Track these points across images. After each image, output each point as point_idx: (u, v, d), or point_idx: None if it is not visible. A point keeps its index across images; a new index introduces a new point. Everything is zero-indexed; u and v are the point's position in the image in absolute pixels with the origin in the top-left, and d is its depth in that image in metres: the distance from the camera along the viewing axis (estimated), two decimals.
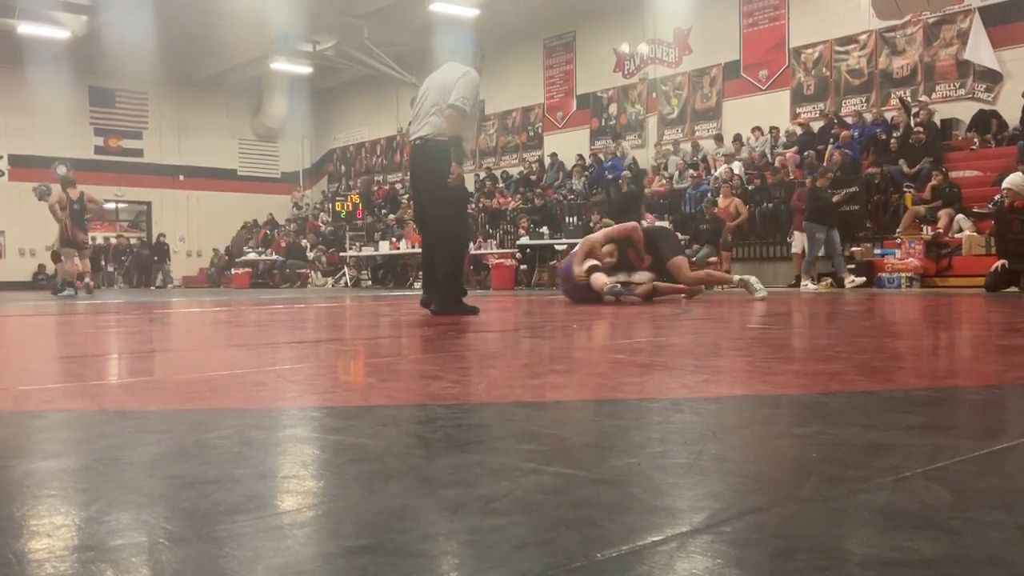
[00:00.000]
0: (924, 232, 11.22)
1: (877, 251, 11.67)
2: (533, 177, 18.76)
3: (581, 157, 17.88)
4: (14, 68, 21.40)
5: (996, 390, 2.02)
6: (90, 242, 13.04)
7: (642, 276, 6.93)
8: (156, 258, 22.98)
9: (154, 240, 23.81)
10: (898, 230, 11.62)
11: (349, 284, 18.91)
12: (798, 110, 15.39)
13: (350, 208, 20.78)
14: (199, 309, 7.80)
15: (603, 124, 18.79)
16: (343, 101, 25.94)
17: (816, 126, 14.55)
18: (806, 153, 13.37)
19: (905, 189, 12.20)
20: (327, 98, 25.98)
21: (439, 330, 4.09)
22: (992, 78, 12.93)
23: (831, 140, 13.45)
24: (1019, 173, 8.88)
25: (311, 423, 1.64)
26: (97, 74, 22.81)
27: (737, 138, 15.44)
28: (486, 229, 17.55)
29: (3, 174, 23.01)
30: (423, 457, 1.26)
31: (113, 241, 24.32)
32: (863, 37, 14.47)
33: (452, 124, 5.13)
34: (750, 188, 13.90)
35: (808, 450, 1.28)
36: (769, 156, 14.70)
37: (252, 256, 22.41)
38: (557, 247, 14.20)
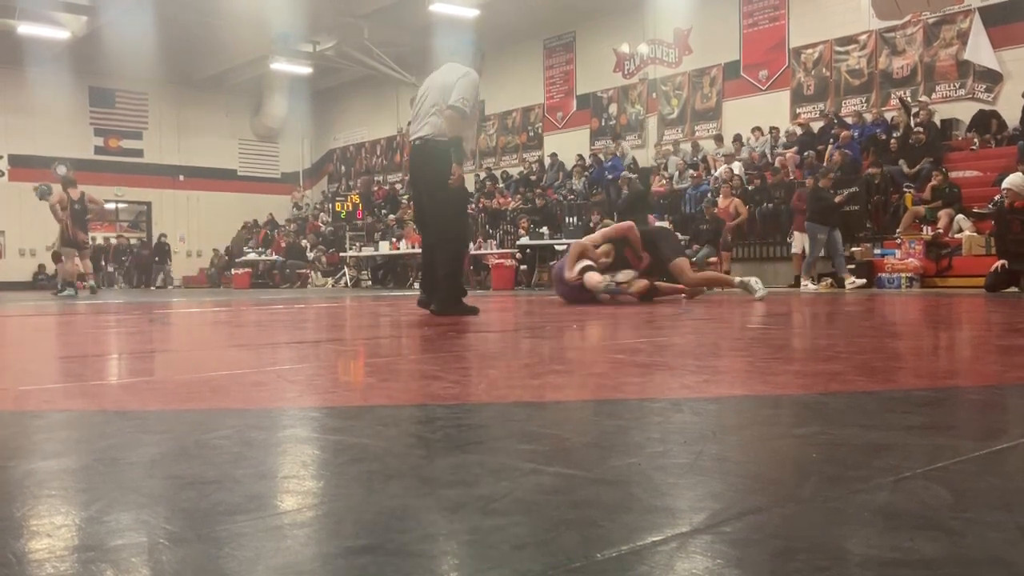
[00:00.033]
0: (924, 232, 11.22)
1: (877, 251, 11.67)
2: (533, 177, 18.76)
3: (581, 157, 17.88)
4: (14, 68, 21.41)
5: (996, 390, 2.02)
6: (90, 242, 13.04)
7: (626, 275, 6.87)
8: (157, 259, 22.99)
9: (155, 240, 23.81)
10: (898, 230, 11.62)
11: (349, 284, 18.91)
12: (798, 110, 15.39)
13: (350, 208, 20.79)
14: (199, 309, 7.80)
15: (603, 124, 18.80)
16: (343, 101, 25.95)
17: (816, 126, 14.55)
18: (806, 153, 13.37)
19: (905, 189, 12.21)
20: (327, 98, 25.99)
21: (439, 330, 4.08)
22: (992, 78, 12.93)
23: (831, 140, 13.45)
24: (1019, 173, 8.88)
25: (311, 423, 1.64)
26: (97, 74, 22.81)
27: (737, 138, 15.44)
28: (486, 229, 17.55)
29: (3, 174, 23.02)
30: (423, 457, 1.26)
31: (113, 241, 24.34)
32: (863, 37, 14.47)
33: (452, 125, 5.13)
34: (750, 188, 13.90)
35: (808, 450, 1.28)
36: (769, 156, 14.70)
37: (252, 256, 22.42)
38: (557, 247, 14.20)
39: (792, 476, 1.16)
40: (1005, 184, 8.82)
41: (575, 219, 15.18)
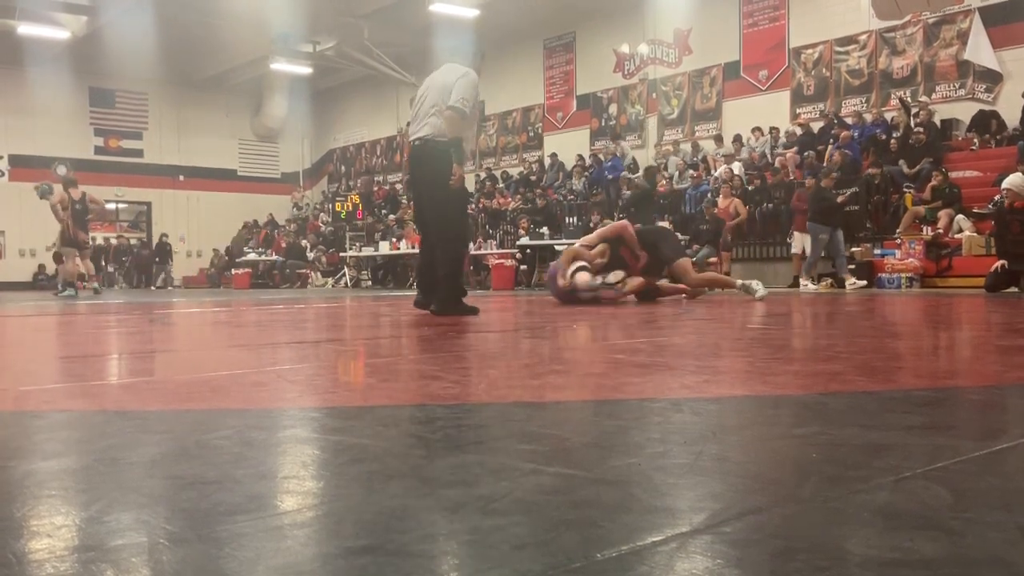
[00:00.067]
0: (924, 232, 11.23)
1: (877, 251, 11.67)
2: (533, 177, 18.76)
3: (581, 157, 17.89)
4: (14, 69, 21.42)
5: (996, 390, 2.02)
6: (91, 242, 13.05)
7: (616, 275, 6.83)
8: (158, 259, 23.01)
9: (157, 240, 23.82)
10: (898, 230, 11.62)
11: (349, 284, 18.91)
12: (798, 110, 15.39)
13: (350, 208, 20.79)
14: (199, 309, 7.80)
15: (603, 124, 18.80)
16: (343, 101, 25.95)
17: (816, 126, 14.55)
18: (806, 153, 13.37)
19: (905, 189, 12.21)
20: (327, 98, 26.00)
21: (439, 330, 4.08)
22: (992, 78, 12.93)
23: (831, 140, 13.46)
24: (1019, 173, 8.88)
25: (311, 423, 1.64)
26: (97, 74, 22.82)
27: (737, 138, 15.44)
28: (486, 229, 17.56)
29: (3, 174, 23.02)
30: (423, 457, 1.26)
31: (113, 242, 24.35)
32: (863, 37, 14.47)
33: (452, 125, 5.13)
34: (750, 189, 13.90)
35: (808, 450, 1.29)
36: (769, 156, 14.70)
37: (252, 256, 22.43)
38: (557, 247, 14.20)
39: (792, 476, 1.16)
40: (1005, 184, 8.82)
41: (575, 219, 15.18)
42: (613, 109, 18.65)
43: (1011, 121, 12.46)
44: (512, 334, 4.16)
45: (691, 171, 15.33)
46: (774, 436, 1.46)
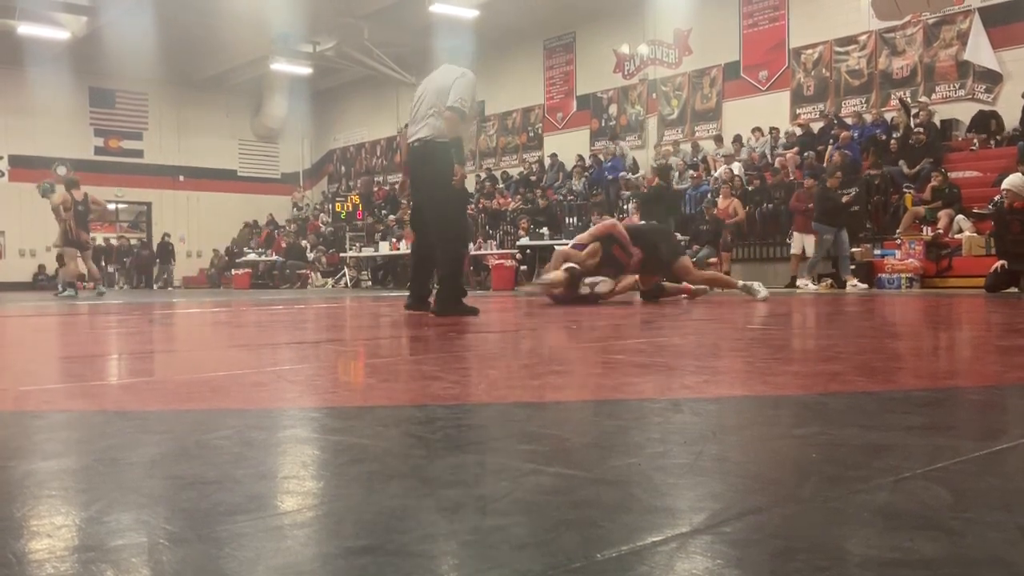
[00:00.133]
0: (924, 233, 11.23)
1: (877, 252, 11.67)
2: (533, 178, 18.76)
3: (581, 158, 17.89)
4: (14, 69, 21.41)
5: (996, 391, 2.02)
6: (91, 242, 13.07)
7: (605, 286, 6.80)
8: (159, 259, 23.01)
9: (159, 240, 23.82)
10: (898, 231, 11.62)
11: (349, 285, 18.91)
12: (798, 111, 15.39)
13: (350, 209, 20.79)
14: (199, 310, 7.80)
15: (603, 125, 18.80)
16: (343, 102, 25.96)
17: (816, 127, 14.55)
18: (806, 154, 13.37)
19: (905, 190, 12.21)
20: (327, 99, 26.00)
21: (439, 331, 4.09)
22: (992, 79, 12.93)
23: (831, 141, 13.45)
24: (1019, 174, 8.88)
25: (311, 424, 1.64)
26: (97, 75, 22.82)
27: (737, 139, 15.44)
28: (486, 230, 17.55)
29: (3, 175, 23.02)
30: (423, 458, 1.26)
31: (114, 242, 24.35)
32: (863, 38, 14.47)
33: (452, 126, 5.15)
34: (750, 189, 13.90)
35: (808, 451, 1.29)
36: (769, 157, 14.70)
37: (252, 257, 22.43)
38: (557, 248, 14.19)
39: (792, 476, 1.16)
40: (1005, 185, 8.82)
41: (575, 219, 15.17)
42: (613, 109, 18.65)
43: (1011, 121, 12.46)
44: (512, 334, 4.16)
45: (691, 171, 15.32)
46: (774, 436, 1.46)
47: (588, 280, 6.79)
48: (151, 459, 1.27)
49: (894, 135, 13.09)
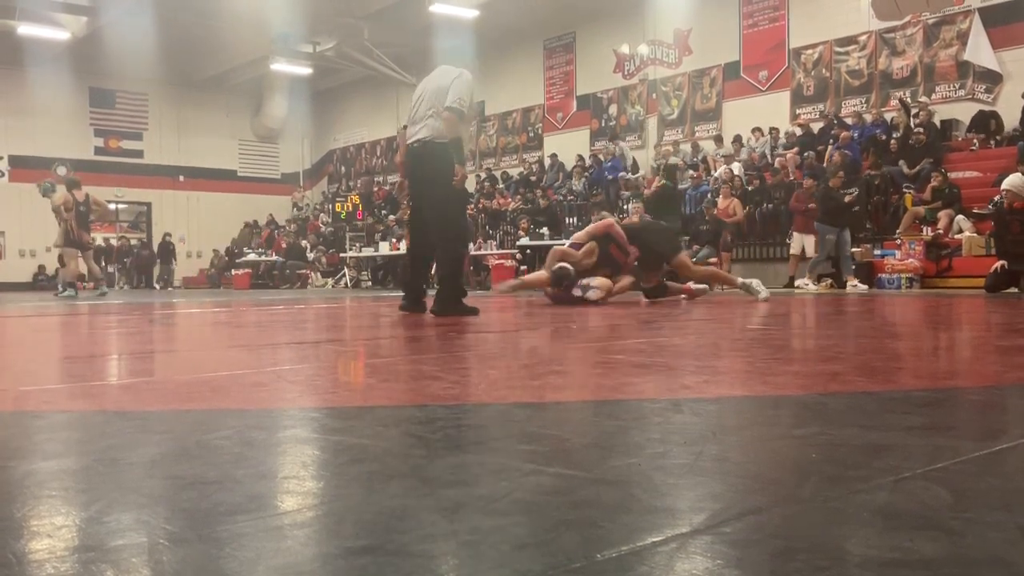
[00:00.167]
0: (924, 233, 11.22)
1: (877, 252, 11.67)
2: (533, 178, 18.76)
3: (581, 158, 17.89)
4: (14, 69, 21.42)
5: (996, 391, 2.02)
6: (92, 243, 13.09)
7: (595, 293, 6.70)
8: (160, 259, 23.01)
9: (160, 240, 23.81)
10: (898, 231, 11.62)
11: (349, 285, 18.91)
12: (798, 111, 15.39)
13: (350, 209, 20.79)
14: (199, 310, 7.80)
15: (603, 125, 18.80)
16: (343, 102, 25.96)
17: (816, 127, 14.55)
18: (806, 154, 13.36)
19: (905, 190, 12.21)
20: (327, 99, 26.00)
21: (439, 331, 4.09)
22: (992, 79, 12.93)
23: (831, 141, 13.45)
24: (1018, 174, 8.88)
25: (311, 424, 1.64)
26: (97, 75, 22.82)
27: (737, 139, 15.44)
28: (486, 230, 17.55)
29: (3, 175, 23.03)
30: (423, 457, 1.26)
31: (115, 243, 24.36)
32: (863, 38, 14.47)
33: (451, 126, 5.16)
34: (750, 189, 13.90)
35: (808, 451, 1.29)
36: (769, 157, 14.70)
37: (252, 257, 22.43)
38: (554, 247, 14.18)
39: (792, 476, 1.16)
40: (1004, 185, 8.82)
41: (575, 220, 15.17)
42: (613, 110, 18.65)
43: (1011, 122, 12.46)
44: (512, 334, 4.16)
45: (691, 172, 15.32)
46: (774, 436, 1.46)
47: (582, 282, 6.77)
48: (151, 459, 1.27)
49: (894, 135, 13.09)
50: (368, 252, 19.27)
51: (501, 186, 19.46)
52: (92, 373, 2.59)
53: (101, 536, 0.89)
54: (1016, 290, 8.33)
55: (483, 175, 20.52)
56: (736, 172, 14.18)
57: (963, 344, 3.60)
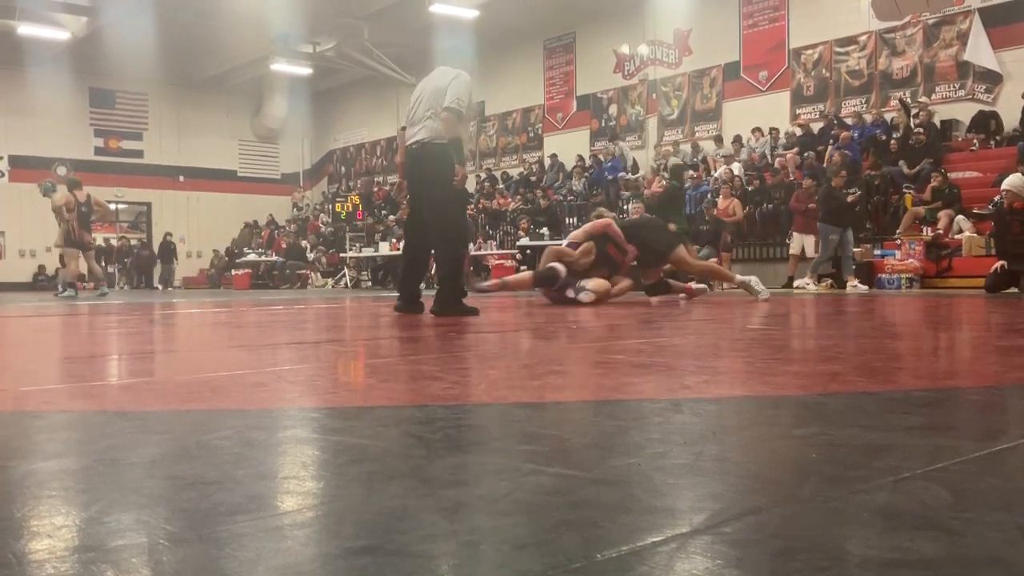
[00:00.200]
0: (924, 233, 11.22)
1: (877, 252, 11.67)
2: (533, 178, 18.77)
3: (581, 158, 17.89)
4: (14, 69, 21.42)
5: (996, 391, 2.02)
6: (93, 243, 13.10)
7: (587, 296, 6.65)
8: (161, 259, 23.01)
9: (161, 240, 23.81)
10: (898, 231, 11.62)
11: (349, 285, 18.92)
12: (798, 111, 15.39)
13: (350, 209, 20.80)
14: (199, 310, 7.80)
15: (603, 125, 18.80)
16: (343, 102, 25.96)
17: (816, 127, 14.55)
18: (806, 154, 13.36)
19: (905, 190, 12.21)
20: (327, 99, 26.00)
21: (439, 331, 4.09)
22: (992, 79, 12.93)
23: (831, 141, 13.46)
24: (1018, 174, 8.88)
25: (311, 424, 1.64)
26: (97, 75, 22.82)
27: (737, 139, 15.44)
28: (486, 230, 17.55)
29: (3, 175, 23.03)
30: (423, 458, 1.26)
31: (114, 243, 24.36)
32: (863, 38, 14.48)
33: (449, 127, 5.17)
34: (750, 189, 13.90)
35: (808, 451, 1.29)
36: (769, 157, 14.70)
37: (252, 257, 22.44)
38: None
39: (792, 476, 1.16)
40: (1004, 185, 8.82)
41: (575, 220, 15.17)
42: (613, 110, 18.65)
43: (1011, 122, 12.46)
44: (512, 335, 4.16)
45: (691, 172, 15.32)
46: (774, 436, 1.46)
47: (579, 283, 6.76)
48: (151, 459, 1.27)
49: (894, 135, 13.09)
50: (368, 252, 19.27)
51: (501, 186, 19.46)
52: (92, 373, 2.59)
53: (101, 536, 0.89)
54: (1016, 290, 8.33)
55: (483, 175, 20.52)
56: (736, 172, 14.19)
57: (963, 344, 3.60)
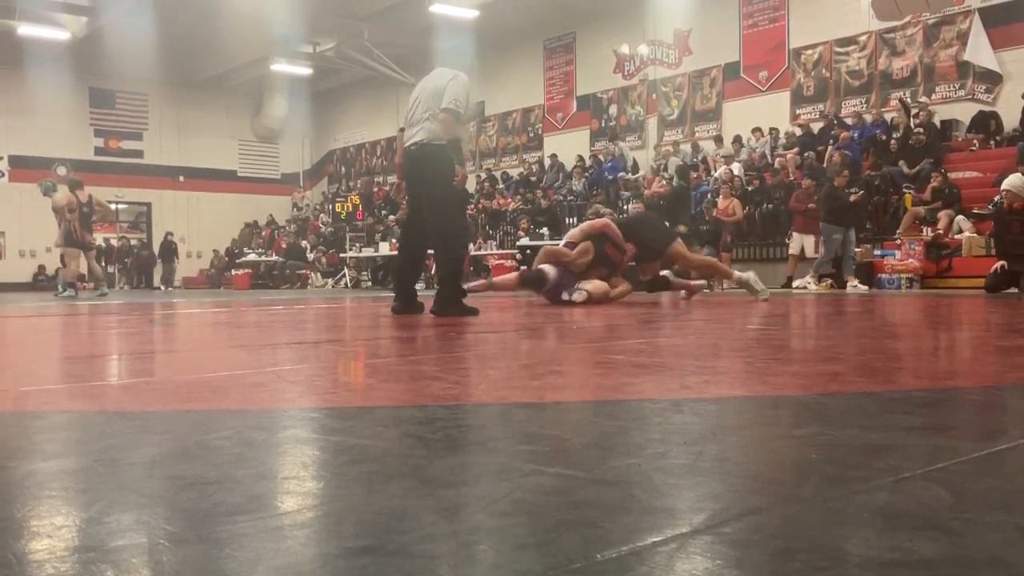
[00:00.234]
0: (924, 233, 11.22)
1: (877, 252, 11.67)
2: (533, 178, 18.77)
3: (581, 158, 17.89)
4: (14, 69, 21.42)
5: (996, 391, 2.02)
6: (94, 243, 13.10)
7: (580, 295, 6.60)
8: (162, 259, 23.02)
9: (161, 240, 23.82)
10: (898, 231, 11.62)
11: (349, 285, 18.92)
12: (798, 111, 15.39)
13: (350, 209, 20.80)
14: (199, 310, 7.80)
15: (603, 125, 18.81)
16: (343, 102, 25.96)
17: (816, 127, 14.55)
18: (806, 154, 13.37)
19: (905, 190, 12.21)
20: (327, 99, 26.01)
21: (439, 331, 4.09)
22: (992, 79, 12.93)
23: (831, 141, 13.46)
24: (1018, 174, 8.88)
25: (311, 424, 1.64)
26: (97, 75, 22.83)
27: (737, 139, 15.44)
28: (486, 230, 17.55)
29: (3, 175, 23.03)
30: (423, 458, 1.26)
31: (115, 243, 24.37)
32: (863, 38, 14.48)
33: (448, 128, 5.18)
34: (750, 189, 13.90)
35: (808, 451, 1.29)
36: (769, 157, 14.70)
37: (252, 257, 22.44)
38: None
39: (792, 477, 1.16)
40: (1004, 185, 8.82)
41: (575, 220, 15.17)
42: (613, 110, 18.66)
43: (1011, 122, 12.46)
44: (512, 335, 4.16)
45: (691, 172, 15.31)
46: (774, 437, 1.46)
47: (577, 285, 6.75)
48: (151, 459, 1.27)
49: (894, 135, 13.10)
50: (368, 252, 19.28)
51: (501, 186, 19.46)
52: (92, 373, 2.59)
53: (101, 536, 0.89)
54: (1016, 290, 8.33)
55: (483, 175, 20.53)
56: (736, 172, 14.18)
57: (963, 344, 3.60)
